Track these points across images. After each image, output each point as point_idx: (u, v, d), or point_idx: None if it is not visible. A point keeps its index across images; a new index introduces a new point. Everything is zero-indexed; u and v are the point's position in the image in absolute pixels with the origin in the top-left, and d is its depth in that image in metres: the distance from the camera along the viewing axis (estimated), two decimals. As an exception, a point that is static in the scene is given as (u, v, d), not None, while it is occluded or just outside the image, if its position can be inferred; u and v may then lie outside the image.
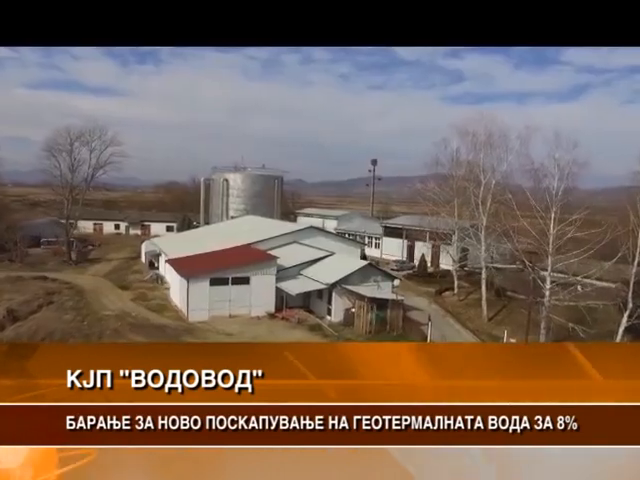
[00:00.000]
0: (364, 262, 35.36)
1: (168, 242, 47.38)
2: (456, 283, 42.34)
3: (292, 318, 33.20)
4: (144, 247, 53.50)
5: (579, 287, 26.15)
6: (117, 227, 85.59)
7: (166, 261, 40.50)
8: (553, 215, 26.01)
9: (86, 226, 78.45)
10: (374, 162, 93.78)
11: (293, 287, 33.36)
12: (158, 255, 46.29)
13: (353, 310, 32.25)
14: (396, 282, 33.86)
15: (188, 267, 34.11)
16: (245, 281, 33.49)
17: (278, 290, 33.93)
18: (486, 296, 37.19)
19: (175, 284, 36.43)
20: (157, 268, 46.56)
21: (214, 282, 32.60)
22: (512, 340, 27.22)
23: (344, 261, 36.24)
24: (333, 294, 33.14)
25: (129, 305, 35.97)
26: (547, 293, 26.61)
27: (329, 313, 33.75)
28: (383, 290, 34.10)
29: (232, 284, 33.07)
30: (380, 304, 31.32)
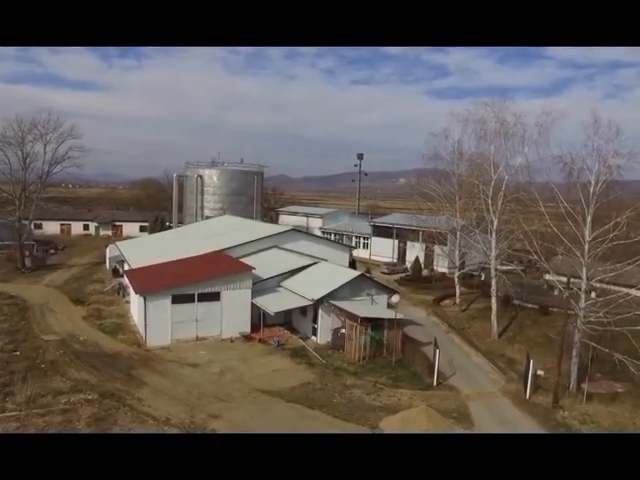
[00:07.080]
0: (355, 273, 30.17)
1: (131, 247, 41.70)
2: (458, 292, 37.50)
3: (271, 340, 28.05)
4: (108, 251, 48.16)
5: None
6: (86, 227, 79.52)
7: (123, 272, 35.03)
8: (589, 218, 21.16)
9: (46, 228, 72.67)
10: (360, 156, 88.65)
11: (272, 304, 28.10)
12: (123, 261, 40.77)
13: (343, 331, 27.17)
14: (395, 298, 28.74)
15: (146, 282, 28.62)
16: (215, 297, 28.20)
17: (255, 304, 28.77)
18: (487, 304, 32.47)
19: (134, 299, 31.04)
20: (122, 276, 41.08)
21: (177, 299, 27.21)
22: (540, 372, 22.28)
23: (332, 271, 31.07)
24: (319, 311, 28.01)
25: (79, 325, 30.52)
26: (581, 314, 21.75)
27: (314, 333, 28.63)
28: (378, 305, 29.11)
29: (199, 301, 27.78)
30: (375, 324, 26.31)
